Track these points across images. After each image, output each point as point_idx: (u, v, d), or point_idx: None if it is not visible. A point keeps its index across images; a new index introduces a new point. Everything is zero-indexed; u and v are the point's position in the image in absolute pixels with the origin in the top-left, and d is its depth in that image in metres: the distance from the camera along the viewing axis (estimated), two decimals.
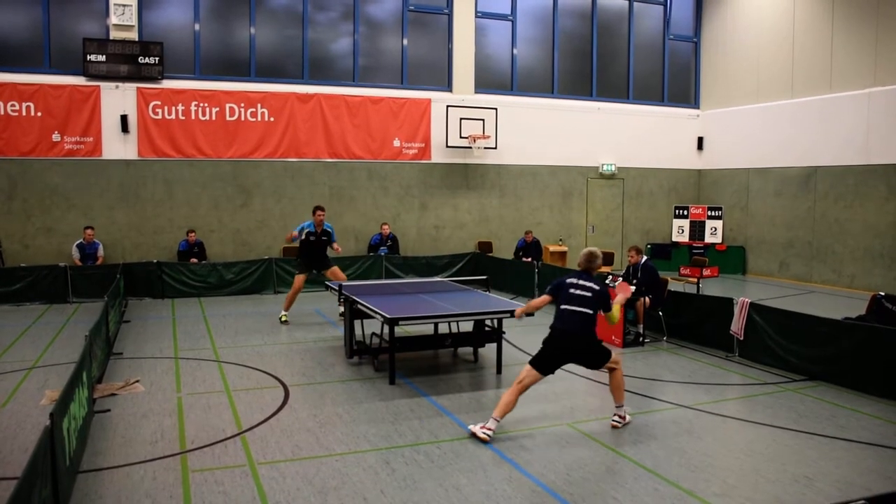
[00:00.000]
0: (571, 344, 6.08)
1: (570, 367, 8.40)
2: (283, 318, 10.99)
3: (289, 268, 14.30)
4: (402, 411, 6.60)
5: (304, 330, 10.51)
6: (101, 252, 13.76)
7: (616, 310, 6.23)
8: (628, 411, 6.42)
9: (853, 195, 15.18)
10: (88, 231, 13.60)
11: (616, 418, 6.32)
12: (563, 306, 6.15)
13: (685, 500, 4.80)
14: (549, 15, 17.78)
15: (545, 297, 6.44)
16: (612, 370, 6.27)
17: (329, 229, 11.14)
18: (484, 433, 5.84)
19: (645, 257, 10.16)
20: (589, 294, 6.09)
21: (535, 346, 9.37)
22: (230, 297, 13.59)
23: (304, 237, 10.94)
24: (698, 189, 19.44)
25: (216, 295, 13.67)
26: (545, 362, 6.09)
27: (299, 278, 11.03)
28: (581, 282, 6.17)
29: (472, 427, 6.01)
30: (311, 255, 11.09)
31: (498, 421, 5.92)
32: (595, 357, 6.18)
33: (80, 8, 14.22)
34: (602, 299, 6.10)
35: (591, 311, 6.05)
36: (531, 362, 6.10)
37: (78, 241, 13.64)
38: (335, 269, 11.21)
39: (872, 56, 14.77)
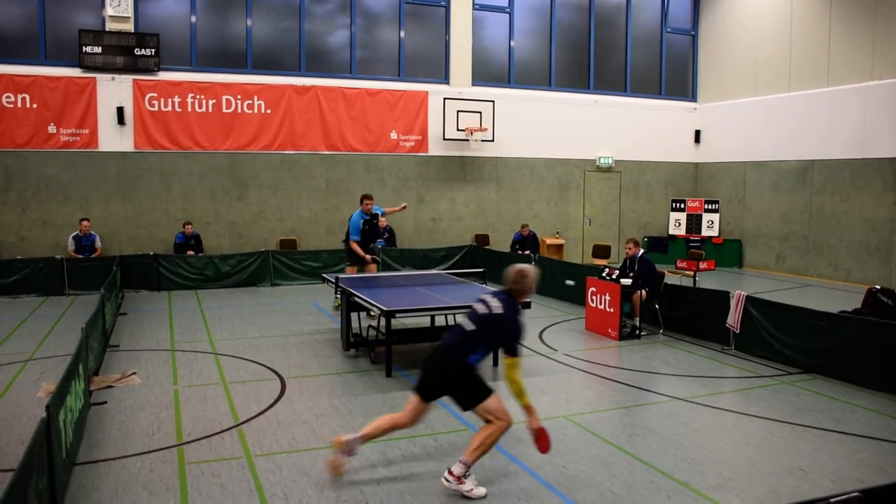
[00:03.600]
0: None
1: (567, 360, 8.46)
2: (337, 304, 10.52)
3: (285, 260, 14.31)
4: (398, 404, 6.59)
5: (301, 322, 10.51)
6: (98, 244, 13.72)
7: None
8: (476, 481, 4.76)
9: (850, 189, 15.19)
10: (84, 222, 13.55)
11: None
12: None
13: (681, 493, 4.81)
14: (546, 7, 17.72)
15: None
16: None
17: (378, 211, 11.41)
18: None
19: (642, 250, 10.17)
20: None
21: (532, 340, 9.48)
22: (227, 290, 13.57)
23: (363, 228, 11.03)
24: (695, 182, 19.44)
25: (213, 287, 13.65)
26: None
27: (352, 270, 11.06)
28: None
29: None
30: (366, 243, 11.16)
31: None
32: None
33: None
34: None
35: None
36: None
37: (74, 233, 13.59)
38: (374, 265, 11.20)
39: (870, 50, 14.76)
